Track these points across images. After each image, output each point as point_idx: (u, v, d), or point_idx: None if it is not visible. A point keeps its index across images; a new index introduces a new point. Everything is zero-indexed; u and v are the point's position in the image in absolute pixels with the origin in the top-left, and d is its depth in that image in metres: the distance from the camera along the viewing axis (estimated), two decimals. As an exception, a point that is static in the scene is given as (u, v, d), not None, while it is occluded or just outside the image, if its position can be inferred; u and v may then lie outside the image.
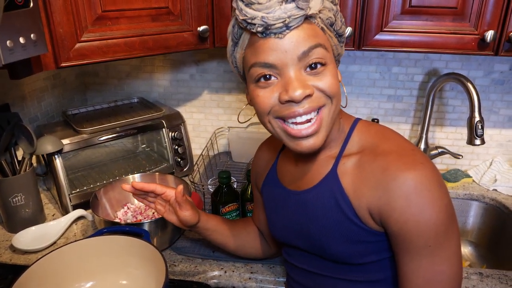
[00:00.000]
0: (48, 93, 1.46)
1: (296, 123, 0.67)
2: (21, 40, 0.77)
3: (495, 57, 1.37)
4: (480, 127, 1.19)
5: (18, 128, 1.15)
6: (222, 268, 1.03)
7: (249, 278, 1.00)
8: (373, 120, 1.46)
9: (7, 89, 1.26)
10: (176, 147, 1.45)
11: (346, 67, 1.49)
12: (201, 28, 1.11)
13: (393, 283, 0.74)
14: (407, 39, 1.09)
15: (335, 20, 0.68)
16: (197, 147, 1.71)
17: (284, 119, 0.68)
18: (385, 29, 1.09)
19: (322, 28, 0.67)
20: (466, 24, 1.06)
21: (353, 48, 1.13)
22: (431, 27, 1.07)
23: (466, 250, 1.45)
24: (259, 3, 0.61)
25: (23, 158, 1.16)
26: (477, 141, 1.20)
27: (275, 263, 1.04)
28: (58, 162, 1.22)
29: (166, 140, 1.44)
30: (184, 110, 1.66)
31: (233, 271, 1.02)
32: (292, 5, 0.61)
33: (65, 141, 1.23)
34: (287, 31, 0.63)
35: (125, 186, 0.86)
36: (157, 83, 1.64)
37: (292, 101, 0.65)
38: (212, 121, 1.67)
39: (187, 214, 0.87)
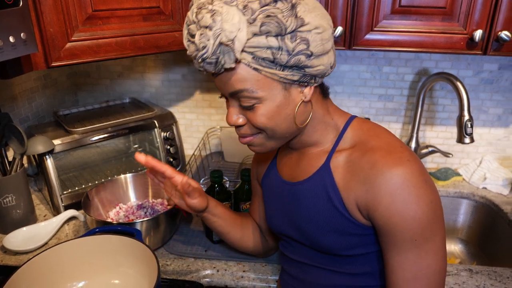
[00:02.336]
0: (39, 94, 1.45)
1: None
2: (11, 39, 0.76)
3: (484, 56, 1.39)
4: (469, 126, 1.20)
5: (8, 128, 1.14)
6: (214, 267, 1.03)
7: (241, 277, 1.01)
8: (364, 119, 1.47)
9: (-3, 89, 1.25)
10: (168, 147, 1.45)
11: (337, 66, 1.50)
12: (192, 28, 1.11)
13: (380, 276, 0.76)
14: (397, 38, 1.10)
15: (279, 55, 0.64)
16: (189, 147, 1.71)
17: None
18: (375, 28, 1.10)
19: (255, 69, 0.65)
20: (455, 23, 1.07)
21: (343, 48, 1.14)
22: (420, 26, 1.09)
23: (456, 247, 1.46)
24: (189, 51, 0.67)
25: (14, 158, 1.15)
26: (467, 140, 1.21)
27: (268, 261, 1.05)
28: (49, 162, 1.21)
29: (158, 140, 1.44)
30: (176, 110, 1.66)
31: (226, 270, 1.02)
32: (203, 63, 0.65)
33: (56, 142, 1.22)
34: (222, 70, 0.67)
35: (139, 156, 0.86)
36: (149, 83, 1.64)
37: None
38: (204, 121, 1.67)
39: (195, 201, 0.89)
